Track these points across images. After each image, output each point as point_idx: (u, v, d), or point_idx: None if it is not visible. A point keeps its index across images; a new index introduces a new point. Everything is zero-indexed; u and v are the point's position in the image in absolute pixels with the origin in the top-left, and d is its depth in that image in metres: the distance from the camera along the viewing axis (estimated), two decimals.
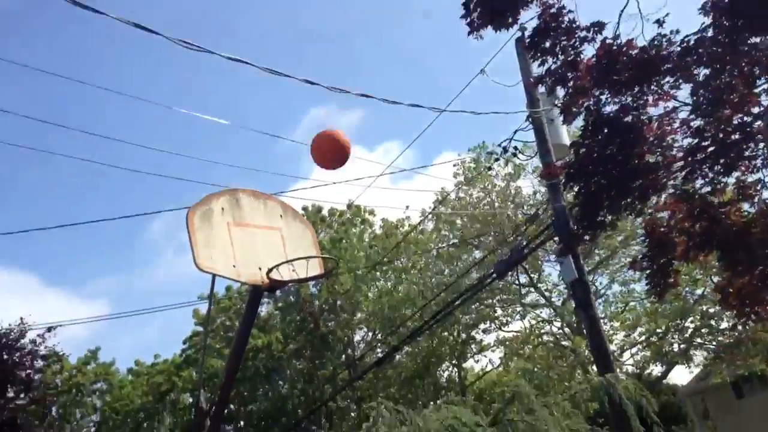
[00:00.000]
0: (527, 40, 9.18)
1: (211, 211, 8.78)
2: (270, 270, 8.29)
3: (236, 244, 8.69)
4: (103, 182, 70.26)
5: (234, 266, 8.48)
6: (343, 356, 31.78)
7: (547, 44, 8.80)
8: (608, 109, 9.10)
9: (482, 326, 27.14)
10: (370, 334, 32.15)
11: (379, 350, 29.03)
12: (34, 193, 64.06)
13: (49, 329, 19.56)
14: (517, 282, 25.88)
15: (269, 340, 30.16)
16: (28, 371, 19.14)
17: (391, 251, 28.22)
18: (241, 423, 32.38)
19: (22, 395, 19.11)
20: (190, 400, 32.37)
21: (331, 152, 7.89)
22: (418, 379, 27.33)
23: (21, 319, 19.40)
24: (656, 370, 26.94)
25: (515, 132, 12.39)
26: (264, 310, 32.73)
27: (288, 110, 69.63)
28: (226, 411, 31.50)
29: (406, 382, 27.47)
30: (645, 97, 8.77)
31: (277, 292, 31.76)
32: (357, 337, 33.03)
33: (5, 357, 18.67)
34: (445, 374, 29.81)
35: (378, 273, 30.20)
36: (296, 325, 31.28)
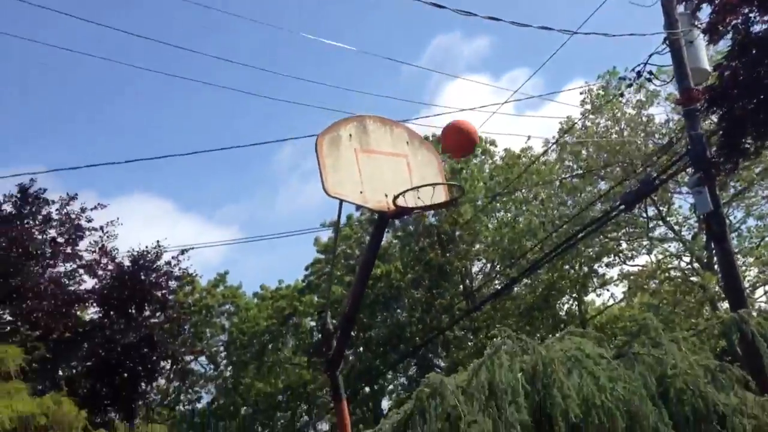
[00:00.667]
0: None
1: (339, 138, 8.84)
2: (396, 197, 8.31)
3: (363, 171, 8.74)
4: (238, 109, 72.24)
5: (361, 192, 8.56)
6: (461, 287, 31.96)
7: None
8: (757, 28, 8.45)
9: (606, 260, 26.52)
10: (489, 265, 32.10)
11: (497, 282, 29.00)
12: (171, 120, 66.91)
13: (183, 251, 20.61)
14: (644, 215, 25.01)
15: (388, 269, 30.62)
16: (164, 291, 20.26)
17: (513, 182, 27.83)
18: (361, 348, 33.32)
19: (158, 314, 20.32)
20: (312, 324, 33.52)
21: (458, 144, 8.22)
22: (536, 311, 27.14)
23: (157, 242, 20.51)
24: None
25: (650, 55, 11.80)
26: (384, 239, 33.18)
27: (414, 36, 68.97)
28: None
29: (524, 314, 27.36)
30: None
31: (397, 222, 32.14)
32: (475, 269, 33.10)
33: (143, 277, 19.83)
34: (565, 307, 29.46)
35: (498, 204, 29.93)
36: (415, 255, 31.60)
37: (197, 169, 71.41)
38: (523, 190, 28.32)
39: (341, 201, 8.73)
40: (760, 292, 23.74)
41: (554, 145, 26.33)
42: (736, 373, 9.87)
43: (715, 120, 9.89)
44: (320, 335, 10.62)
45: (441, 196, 9.05)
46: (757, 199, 23.21)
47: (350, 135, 8.88)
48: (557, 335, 10.36)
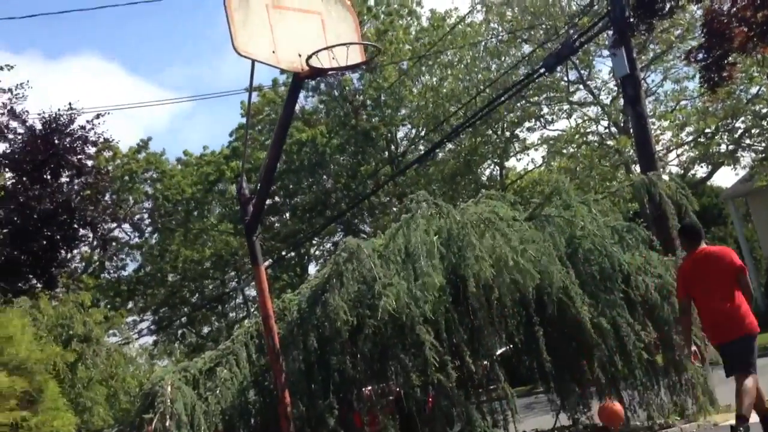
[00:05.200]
0: None
1: None
2: (309, 57, 8.00)
3: (275, 29, 8.32)
4: None
5: (273, 52, 8.19)
6: (386, 153, 32.02)
7: None
8: None
9: (527, 124, 26.80)
10: (414, 131, 32.11)
11: (422, 147, 29.09)
12: None
13: (98, 116, 19.74)
14: (565, 79, 25.15)
15: (313, 134, 30.34)
16: (79, 156, 19.52)
17: (437, 43, 27.39)
18: (287, 215, 33.46)
19: (75, 180, 19.66)
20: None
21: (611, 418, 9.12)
22: (459, 176, 27.50)
23: (69, 104, 19.54)
24: (701, 171, 26.67)
25: None
26: (309, 104, 32.73)
27: None
28: (270, 202, 32.62)
29: (447, 179, 27.68)
30: None
31: (322, 86, 31.57)
32: (400, 134, 33.12)
33: (56, 141, 19.02)
34: (487, 172, 29.96)
35: (423, 68, 29.55)
36: (340, 120, 31.31)
37: (138, 25, 67.65)
38: (448, 54, 27.95)
39: (253, 61, 8.37)
40: (672, 155, 24.50)
41: (480, 6, 25.85)
42: (642, 234, 10.28)
43: None
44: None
45: (357, 56, 8.78)
46: (674, 63, 23.46)
47: None
48: (472, 200, 10.51)
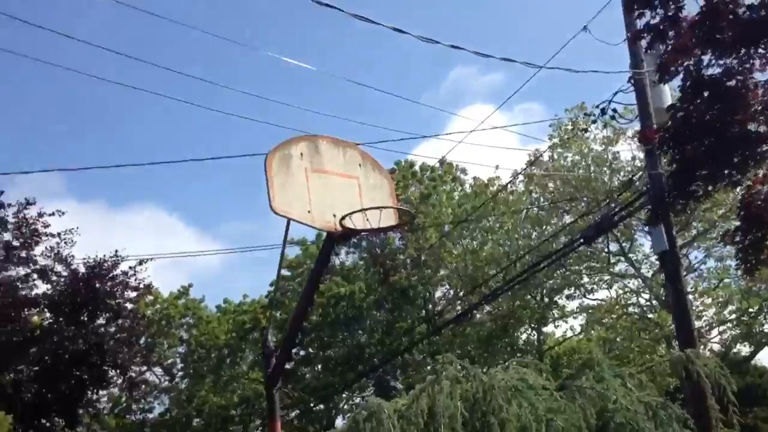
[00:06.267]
0: None
1: (289, 156, 8.81)
2: (343, 217, 8.26)
3: (312, 190, 8.71)
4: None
5: (309, 211, 8.53)
6: (423, 311, 31.91)
7: None
8: (710, 71, 8.53)
9: (566, 292, 26.65)
10: (452, 291, 32.10)
11: (459, 308, 28.98)
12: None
13: (141, 262, 20.30)
14: (606, 250, 25.20)
15: (352, 290, 30.51)
16: (118, 300, 19.95)
17: (479, 208, 27.92)
18: (318, 366, 33.07)
19: (111, 322, 19.99)
20: (274, 339, 33.21)
21: None
22: (495, 339, 27.15)
23: (116, 251, 20.20)
24: (744, 350, 25.90)
25: (615, 93, 11.84)
26: (350, 259, 33.17)
27: (432, 71, 69.40)
28: (304, 353, 32.40)
29: (483, 341, 27.35)
30: (751, 61, 8.18)
31: (363, 243, 32.12)
32: (438, 294, 33.08)
33: (97, 285, 19.50)
34: (524, 337, 29.51)
35: (465, 231, 29.99)
36: (379, 277, 31.53)
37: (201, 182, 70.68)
38: (490, 219, 28.42)
39: (288, 220, 8.67)
40: (715, 332, 23.98)
41: (521, 177, 26.50)
42: (676, 412, 9.88)
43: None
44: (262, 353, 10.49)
45: (390, 219, 9.04)
46: (716, 241, 23.42)
47: (301, 154, 8.84)
48: (502, 365, 10.32)
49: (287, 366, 29.53)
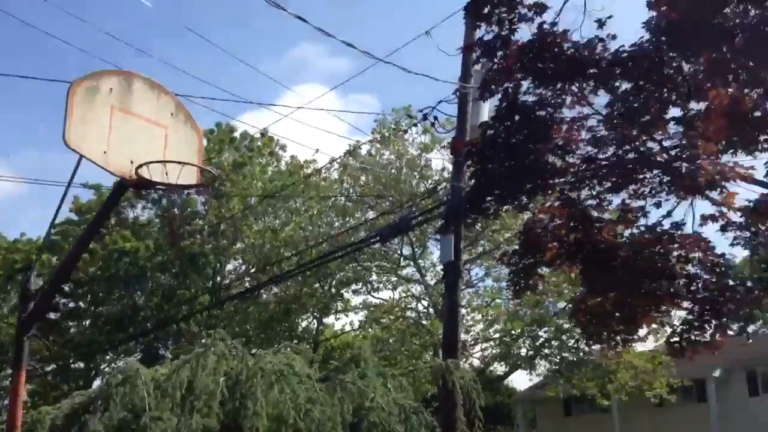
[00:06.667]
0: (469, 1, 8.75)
1: (97, 89, 8.16)
2: (141, 166, 7.76)
3: (114, 131, 8.13)
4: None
5: (105, 152, 7.95)
6: (210, 282, 31.13)
7: (486, 10, 8.39)
8: (526, 98, 8.89)
9: (354, 286, 27.10)
10: (243, 267, 31.56)
11: (247, 284, 28.52)
12: None
13: None
14: (399, 252, 25.92)
15: (137, 247, 29.15)
16: None
17: (289, 187, 27.65)
18: (87, 322, 31.34)
19: None
20: (40, 284, 30.99)
21: None
22: (276, 322, 27.04)
23: None
24: (500, 369, 27.67)
25: (439, 102, 12.02)
26: (146, 215, 31.79)
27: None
28: (73, 305, 30.56)
29: (263, 322, 27.13)
30: (564, 96, 8.61)
31: (163, 201, 30.81)
32: (229, 267, 32.41)
33: None
34: (304, 324, 29.66)
35: (270, 208, 29.58)
36: (170, 238, 30.35)
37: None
38: (297, 201, 28.27)
39: (81, 156, 8.00)
40: (478, 348, 25.40)
41: (337, 165, 26.62)
42: (427, 419, 10.28)
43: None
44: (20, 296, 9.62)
45: (192, 178, 8.61)
46: (496, 261, 24.69)
47: (111, 89, 8.21)
48: (273, 348, 10.23)
49: (51, 316, 27.61)
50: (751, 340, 24.28)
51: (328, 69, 64.53)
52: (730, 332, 9.44)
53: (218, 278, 31.52)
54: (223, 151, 29.96)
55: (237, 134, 31.08)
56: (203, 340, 9.47)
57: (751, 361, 27.14)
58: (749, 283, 9.01)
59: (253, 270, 28.86)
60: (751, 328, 30.84)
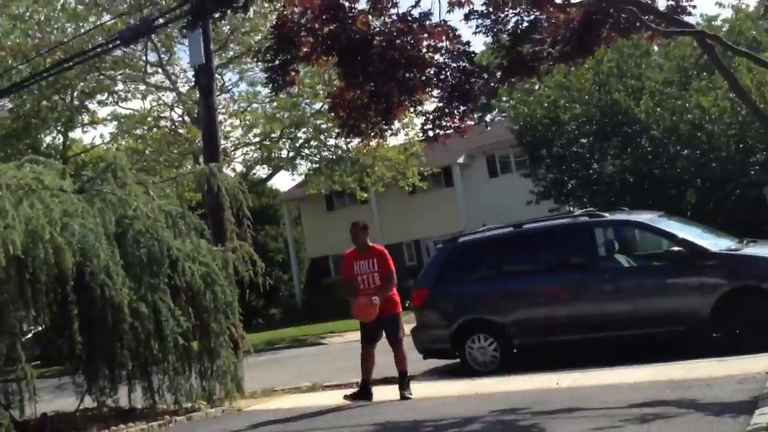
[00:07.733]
0: None
1: None
2: None
3: None
4: None
5: None
6: None
7: None
8: None
9: (99, 97, 25.35)
10: None
11: None
12: None
13: None
14: (144, 59, 24.43)
15: None
16: None
17: None
18: None
19: None
20: None
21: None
22: (15, 139, 24.85)
23: None
24: (262, 172, 28.11)
25: None
26: None
27: None
28: None
29: (2, 139, 24.84)
30: None
31: None
32: None
33: None
34: (48, 140, 27.59)
35: None
36: None
37: None
38: (20, 7, 25.10)
39: None
40: (239, 153, 25.39)
41: None
42: (195, 222, 10.27)
43: None
44: None
45: None
46: (252, 66, 24.22)
47: None
48: (16, 162, 9.45)
49: None
50: (489, 128, 26.94)
51: None
52: (471, 122, 10.23)
53: None
54: None
55: None
56: None
57: (490, 146, 30.18)
58: (491, 69, 9.67)
59: None
60: (488, 117, 34.00)
